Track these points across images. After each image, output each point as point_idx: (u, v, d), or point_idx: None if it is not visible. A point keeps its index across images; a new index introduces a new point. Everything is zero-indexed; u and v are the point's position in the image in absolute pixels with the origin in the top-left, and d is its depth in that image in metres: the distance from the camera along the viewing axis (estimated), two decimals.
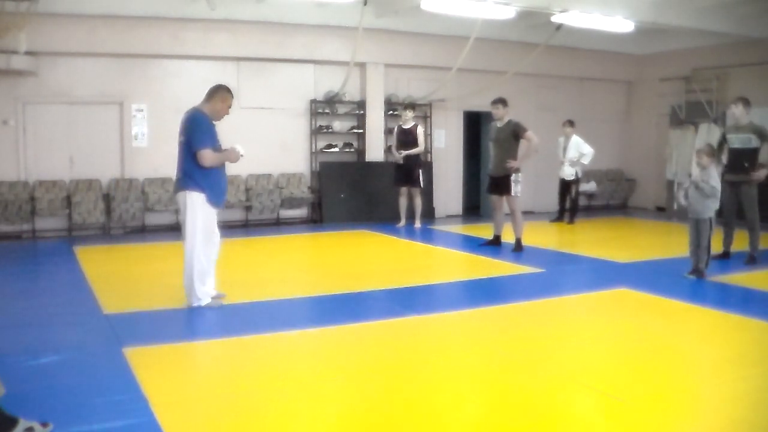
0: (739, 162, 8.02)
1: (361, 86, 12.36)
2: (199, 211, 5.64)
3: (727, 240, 8.19)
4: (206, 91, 5.89)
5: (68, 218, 10.39)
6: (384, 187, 12.06)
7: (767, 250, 8.35)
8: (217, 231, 5.90)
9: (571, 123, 11.99)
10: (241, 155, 5.81)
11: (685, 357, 4.72)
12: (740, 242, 8.20)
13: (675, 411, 3.70)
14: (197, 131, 5.64)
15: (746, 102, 8.16)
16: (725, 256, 8.13)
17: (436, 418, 3.60)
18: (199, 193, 5.64)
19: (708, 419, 3.64)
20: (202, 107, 5.79)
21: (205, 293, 5.78)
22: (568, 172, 11.84)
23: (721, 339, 5.09)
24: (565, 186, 12.01)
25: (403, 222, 11.38)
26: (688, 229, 7.12)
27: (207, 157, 5.60)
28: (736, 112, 8.13)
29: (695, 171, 7.09)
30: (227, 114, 5.97)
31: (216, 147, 5.74)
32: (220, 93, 5.80)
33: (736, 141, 8.07)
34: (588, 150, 11.74)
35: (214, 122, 5.82)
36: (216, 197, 5.75)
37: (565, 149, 11.91)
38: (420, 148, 11.27)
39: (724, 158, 8.23)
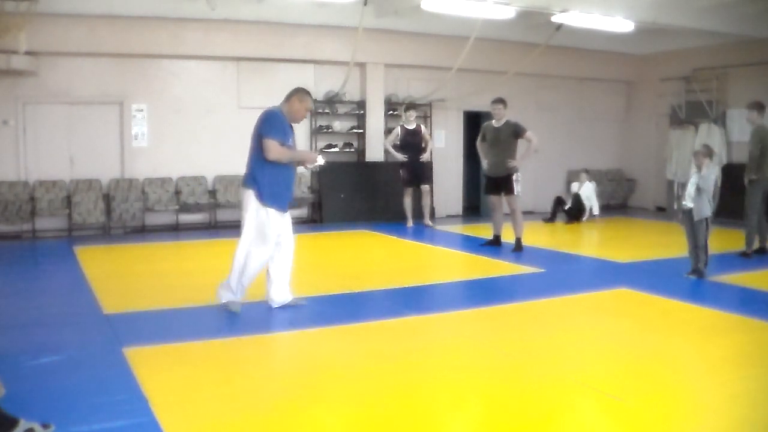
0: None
1: (361, 86, 12.36)
2: (252, 210, 5.53)
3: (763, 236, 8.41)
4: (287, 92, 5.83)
5: (68, 218, 10.39)
6: (384, 187, 12.07)
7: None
8: (288, 235, 5.73)
9: (586, 171, 12.72)
10: (319, 164, 5.74)
11: (685, 357, 4.72)
12: (739, 242, 8.23)
13: (675, 411, 3.70)
14: (267, 123, 5.55)
15: None
16: (762, 251, 8.36)
17: (436, 418, 3.60)
18: (254, 192, 5.53)
19: (708, 419, 3.64)
20: (281, 106, 5.73)
21: (230, 293, 5.65)
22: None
23: (721, 339, 5.09)
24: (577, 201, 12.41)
25: (411, 222, 11.42)
26: (685, 229, 7.13)
27: (272, 147, 5.46)
28: None
29: (692, 172, 7.11)
30: (305, 117, 5.91)
31: (286, 144, 5.61)
32: (297, 94, 5.73)
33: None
34: (596, 203, 12.41)
35: (291, 123, 5.74)
36: (271, 200, 5.55)
37: (576, 194, 12.45)
38: (431, 145, 11.53)
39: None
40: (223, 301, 5.69)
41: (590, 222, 12.25)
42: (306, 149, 5.89)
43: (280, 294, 5.80)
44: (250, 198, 5.57)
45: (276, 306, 5.77)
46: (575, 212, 12.21)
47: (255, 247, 5.59)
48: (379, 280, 7.15)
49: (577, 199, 12.30)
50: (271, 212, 5.56)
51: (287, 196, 5.75)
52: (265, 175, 5.54)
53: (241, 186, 5.84)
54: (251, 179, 5.59)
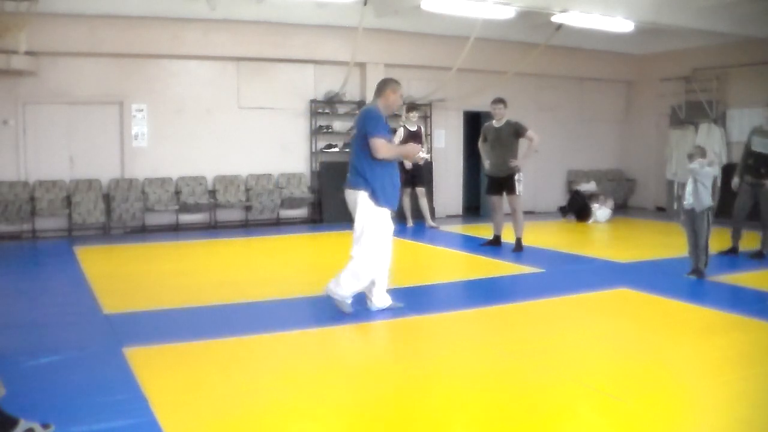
0: (761, 165, 8.28)
1: (361, 86, 12.36)
2: (369, 211, 5.46)
3: (736, 235, 8.40)
4: (375, 86, 5.80)
5: (68, 218, 10.39)
6: None
7: None
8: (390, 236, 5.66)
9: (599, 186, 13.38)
10: (424, 157, 5.72)
11: (685, 357, 4.72)
12: (746, 242, 8.24)
13: (675, 411, 3.70)
14: (372, 121, 5.47)
15: None
16: (734, 251, 8.36)
17: (435, 418, 3.60)
18: (368, 194, 5.45)
19: (708, 419, 3.64)
20: (375, 102, 5.69)
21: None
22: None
23: (721, 339, 5.09)
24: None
25: (411, 222, 11.43)
26: (685, 229, 7.13)
27: (381, 146, 5.40)
28: None
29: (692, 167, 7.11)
30: (399, 105, 5.92)
31: (390, 141, 5.60)
32: (390, 85, 5.69)
33: (760, 145, 8.31)
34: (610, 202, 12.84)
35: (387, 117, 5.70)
36: (383, 199, 5.49)
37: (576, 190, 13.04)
38: (427, 146, 11.59)
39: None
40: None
41: (594, 222, 12.28)
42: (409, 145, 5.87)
43: (382, 298, 5.72)
44: (363, 200, 5.47)
45: (376, 309, 5.68)
46: (580, 210, 12.30)
47: (381, 245, 5.52)
48: None
49: (580, 198, 12.40)
50: (385, 211, 5.54)
51: (397, 195, 5.68)
52: (377, 177, 5.46)
53: (347, 188, 5.63)
54: (362, 181, 5.48)
